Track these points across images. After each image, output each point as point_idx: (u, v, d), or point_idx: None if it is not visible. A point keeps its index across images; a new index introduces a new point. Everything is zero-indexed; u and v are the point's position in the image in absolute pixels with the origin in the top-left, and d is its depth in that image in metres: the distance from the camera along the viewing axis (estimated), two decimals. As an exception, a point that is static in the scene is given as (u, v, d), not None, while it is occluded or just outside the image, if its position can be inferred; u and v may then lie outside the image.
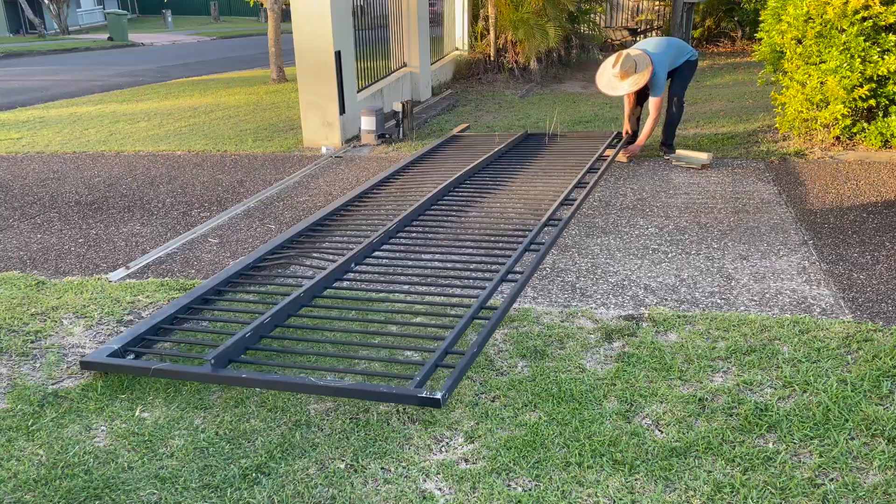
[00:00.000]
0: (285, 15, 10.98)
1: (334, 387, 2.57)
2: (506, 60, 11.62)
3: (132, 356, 2.98)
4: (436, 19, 10.99)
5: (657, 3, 16.45)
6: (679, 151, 6.03)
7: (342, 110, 7.15)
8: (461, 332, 2.94)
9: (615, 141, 6.26)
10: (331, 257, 3.95)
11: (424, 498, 2.21)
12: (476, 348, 2.78)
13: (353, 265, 3.77)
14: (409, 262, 3.95)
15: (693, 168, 5.83)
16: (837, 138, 6.30)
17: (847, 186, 5.21)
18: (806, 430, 2.45)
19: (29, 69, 16.52)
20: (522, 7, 11.07)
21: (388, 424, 2.57)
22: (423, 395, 2.46)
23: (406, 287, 3.67)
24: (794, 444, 2.40)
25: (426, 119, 8.48)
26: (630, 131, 6.30)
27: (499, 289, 3.50)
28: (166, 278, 3.97)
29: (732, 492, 2.19)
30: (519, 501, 2.18)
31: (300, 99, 7.14)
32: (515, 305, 3.46)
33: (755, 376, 2.79)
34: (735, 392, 2.69)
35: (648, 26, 16.74)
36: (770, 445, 2.39)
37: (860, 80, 5.73)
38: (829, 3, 5.75)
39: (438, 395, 2.45)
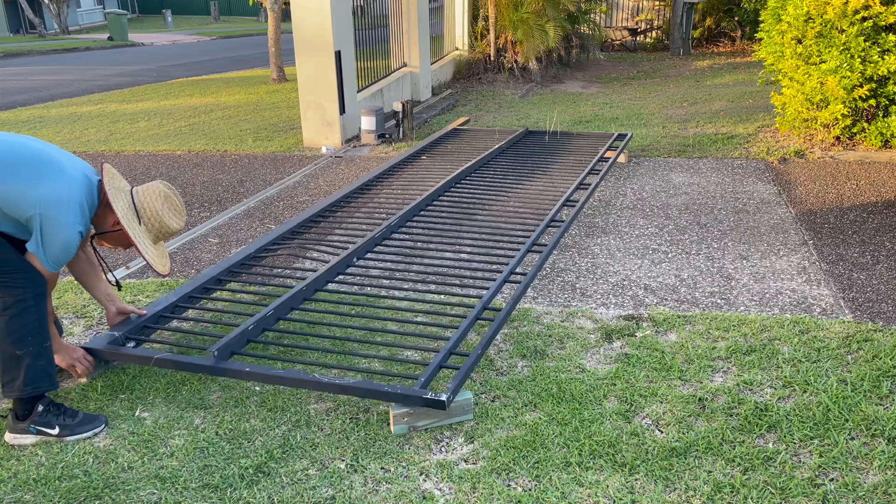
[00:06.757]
0: (285, 15, 10.98)
1: (339, 384, 2.57)
2: (506, 60, 11.62)
3: (133, 344, 2.98)
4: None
5: (657, 2, 16.46)
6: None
7: (342, 110, 7.15)
8: (465, 333, 2.93)
9: (615, 143, 6.27)
10: (332, 250, 3.95)
11: (424, 498, 2.21)
12: (480, 349, 2.77)
13: (354, 259, 3.77)
14: (411, 259, 3.95)
15: (691, 170, 5.83)
16: (837, 138, 6.30)
17: (847, 186, 5.21)
18: (806, 430, 2.45)
19: (29, 69, 16.51)
20: (522, 7, 11.08)
21: (389, 424, 2.57)
22: (429, 396, 2.46)
23: (408, 284, 3.68)
24: (794, 444, 2.39)
25: (426, 119, 8.47)
26: None
27: (501, 290, 3.50)
28: (166, 279, 3.97)
29: (732, 492, 2.19)
30: (519, 501, 2.18)
31: (300, 99, 7.14)
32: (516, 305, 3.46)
33: (755, 376, 2.79)
34: (735, 392, 2.69)
35: (648, 26, 16.75)
36: (770, 445, 2.39)
37: (860, 80, 5.73)
38: (829, 3, 5.75)
39: (444, 397, 2.44)
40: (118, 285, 3.05)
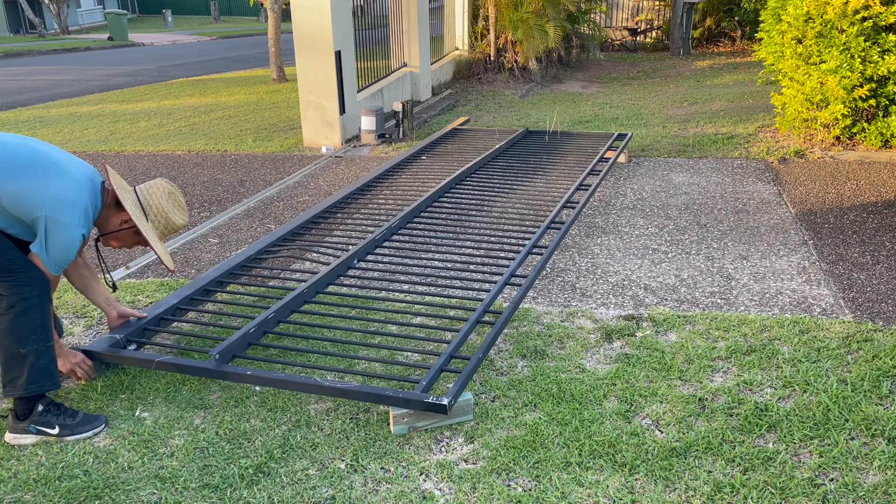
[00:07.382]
0: (285, 15, 10.98)
1: (340, 388, 2.56)
2: (506, 60, 11.62)
3: (134, 347, 2.98)
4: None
5: (657, 2, 16.46)
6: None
7: (342, 110, 7.15)
8: (466, 336, 2.93)
9: (615, 143, 6.27)
10: (333, 252, 3.95)
11: (424, 498, 2.21)
12: (481, 353, 2.77)
13: (355, 261, 3.77)
14: (412, 261, 3.95)
15: (692, 169, 5.83)
16: (837, 138, 6.30)
17: (847, 186, 5.21)
18: (806, 430, 2.45)
19: (29, 69, 16.51)
20: (522, 7, 11.08)
21: (389, 424, 2.57)
22: (430, 400, 2.45)
23: (408, 286, 3.68)
24: (794, 444, 2.39)
25: (426, 119, 8.47)
26: None
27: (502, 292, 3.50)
28: (166, 278, 3.97)
29: (732, 492, 2.19)
30: (519, 501, 2.18)
31: (300, 99, 7.14)
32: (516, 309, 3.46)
33: (755, 376, 2.79)
34: (735, 392, 2.69)
35: (648, 26, 16.75)
36: (770, 445, 2.39)
37: (860, 80, 5.73)
38: (829, 3, 5.75)
39: (445, 401, 2.43)
40: (114, 287, 3.06)
